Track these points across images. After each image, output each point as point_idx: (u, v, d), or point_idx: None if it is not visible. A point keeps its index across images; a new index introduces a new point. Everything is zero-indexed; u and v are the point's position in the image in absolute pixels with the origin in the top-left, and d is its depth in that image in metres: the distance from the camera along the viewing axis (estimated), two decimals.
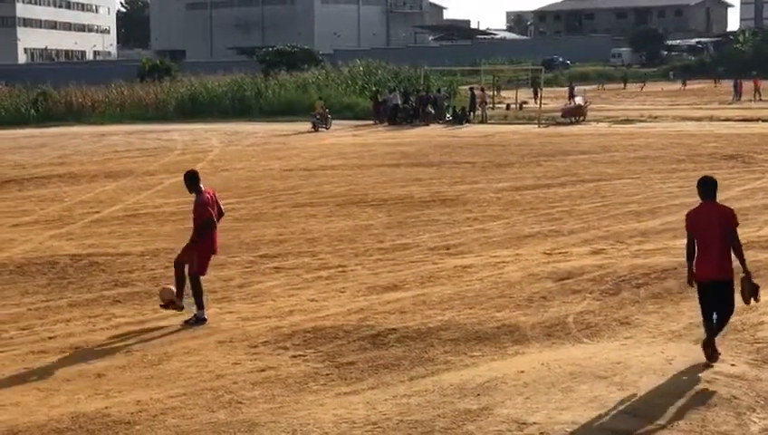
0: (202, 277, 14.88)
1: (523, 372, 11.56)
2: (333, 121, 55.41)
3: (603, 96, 79.77)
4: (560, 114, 55.78)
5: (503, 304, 15.05)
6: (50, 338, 13.96)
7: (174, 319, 14.70)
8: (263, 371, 12.14)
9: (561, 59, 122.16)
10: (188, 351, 13.10)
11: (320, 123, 54.06)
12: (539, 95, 63.82)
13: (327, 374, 11.94)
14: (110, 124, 63.26)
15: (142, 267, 18.64)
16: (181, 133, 52.99)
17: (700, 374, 11.25)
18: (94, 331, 14.31)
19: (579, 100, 57.99)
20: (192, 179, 15.13)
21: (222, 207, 15.57)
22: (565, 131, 48.14)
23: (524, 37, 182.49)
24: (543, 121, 54.34)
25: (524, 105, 66.08)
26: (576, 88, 68.28)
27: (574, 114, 54.74)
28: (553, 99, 69.77)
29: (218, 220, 15.20)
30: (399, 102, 58.41)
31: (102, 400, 11.26)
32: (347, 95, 67.54)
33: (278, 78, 73.22)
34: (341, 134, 50.44)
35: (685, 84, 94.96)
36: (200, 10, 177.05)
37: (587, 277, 16.53)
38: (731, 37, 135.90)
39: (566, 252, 18.84)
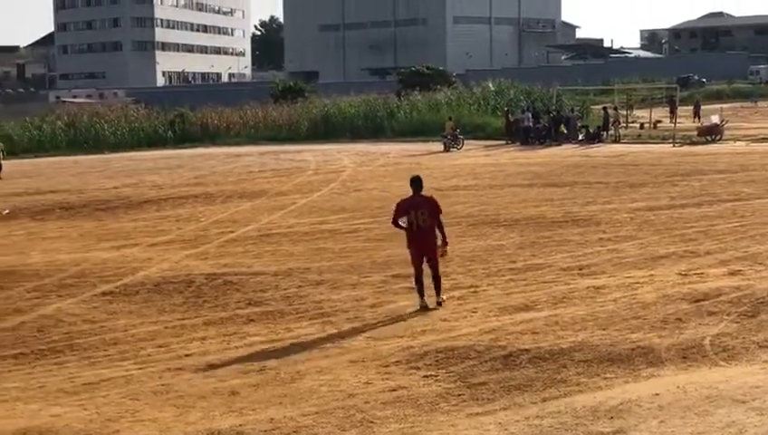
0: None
1: (657, 394, 11.35)
2: (465, 141, 55.36)
3: (741, 114, 78.15)
4: (695, 133, 54.87)
5: (637, 325, 14.82)
6: (186, 355, 14.19)
7: (306, 338, 14.83)
8: (394, 390, 12.14)
9: (696, 77, 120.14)
10: (321, 370, 13.18)
11: (451, 143, 54.08)
12: (674, 114, 62.85)
13: (459, 395, 11.90)
14: (245, 145, 64.28)
15: (275, 287, 18.82)
16: (314, 154, 53.52)
17: None
18: (229, 349, 14.49)
19: (715, 118, 56.91)
20: (411, 183, 17.36)
21: (429, 212, 16.81)
22: (701, 151, 47.33)
23: (659, 55, 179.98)
24: (678, 141, 53.51)
25: (659, 124, 65.13)
26: (703, 107, 67.00)
27: (710, 133, 53.78)
28: (688, 117, 68.64)
29: (419, 225, 16.69)
30: (531, 122, 58.12)
31: (236, 417, 11.39)
32: (479, 115, 67.42)
33: (410, 98, 73.44)
34: (473, 154, 50.37)
35: None
36: (333, 32, 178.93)
37: (724, 299, 16.18)
38: None
39: (702, 273, 18.47)
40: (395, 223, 17.22)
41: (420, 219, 16.70)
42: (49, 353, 14.58)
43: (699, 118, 61.05)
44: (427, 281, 16.80)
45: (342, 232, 25.44)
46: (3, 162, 48.22)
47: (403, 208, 17.01)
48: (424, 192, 17.37)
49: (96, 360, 14.14)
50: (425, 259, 16.75)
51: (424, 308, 16.50)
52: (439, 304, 16.69)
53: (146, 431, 11.06)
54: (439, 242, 16.83)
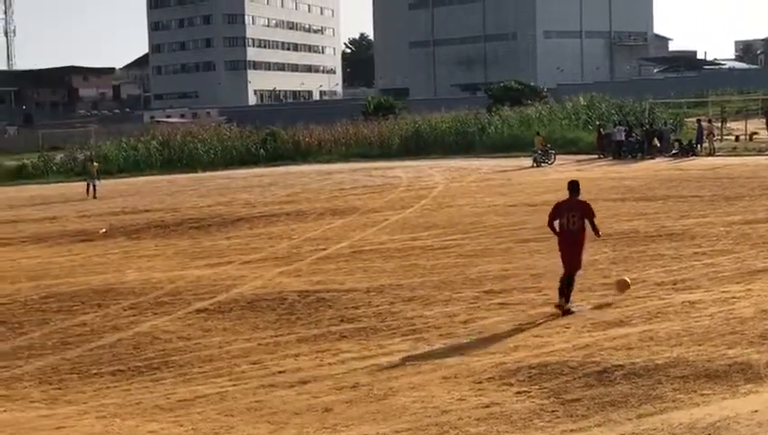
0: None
1: (756, 411, 11.17)
2: (557, 156, 55.08)
3: None
4: None
5: (734, 340, 14.60)
6: (279, 372, 14.27)
7: (398, 354, 14.85)
8: (487, 407, 12.10)
9: None
10: (413, 386, 13.17)
11: (542, 158, 53.85)
12: None
13: (552, 411, 11.82)
14: (336, 162, 64.65)
15: (368, 303, 18.86)
16: (405, 170, 53.62)
17: None
18: (322, 365, 14.55)
19: None
20: (568, 187, 17.84)
21: (580, 214, 17.39)
22: None
23: (754, 66, 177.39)
24: None
25: (755, 136, 64.16)
26: None
27: None
28: None
29: (569, 228, 17.31)
30: (624, 136, 57.62)
31: (330, 433, 11.43)
32: (570, 130, 67.04)
33: (501, 114, 73.28)
34: (565, 169, 50.05)
35: None
36: (423, 48, 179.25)
37: None
38: None
39: None
40: (550, 225, 17.71)
41: (571, 222, 17.25)
42: (145, 370, 14.77)
43: None
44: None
45: (434, 248, 25.43)
46: (98, 182, 48.99)
47: (559, 210, 17.53)
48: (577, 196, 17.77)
49: (191, 376, 14.29)
50: (565, 264, 17.36)
51: (566, 312, 16.97)
52: (560, 307, 17.07)
53: None
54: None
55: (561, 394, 12.44)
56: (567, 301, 17.15)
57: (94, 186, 48.17)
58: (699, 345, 14.39)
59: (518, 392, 12.64)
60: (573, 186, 17.70)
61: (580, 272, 17.68)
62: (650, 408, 11.68)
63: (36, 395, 13.70)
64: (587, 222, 17.50)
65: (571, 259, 17.39)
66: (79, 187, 50.98)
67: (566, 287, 17.19)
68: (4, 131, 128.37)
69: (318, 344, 15.86)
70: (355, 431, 11.43)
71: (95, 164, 51.76)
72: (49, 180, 62.92)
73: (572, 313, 17.01)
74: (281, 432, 11.59)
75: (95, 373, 14.71)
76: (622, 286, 18.12)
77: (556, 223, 17.64)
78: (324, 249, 26.20)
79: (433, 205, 35.46)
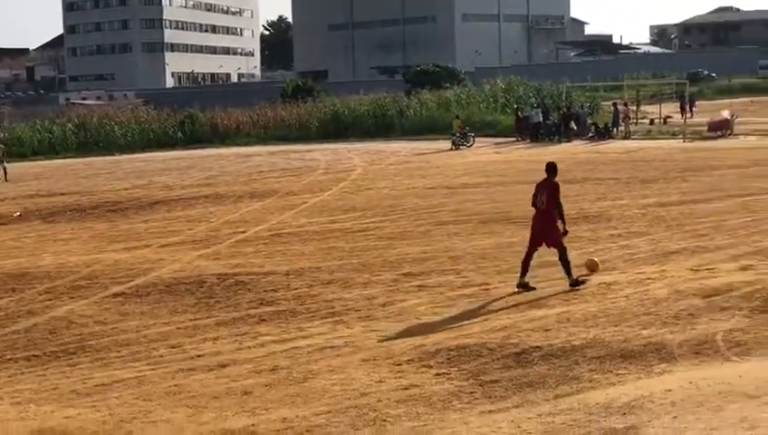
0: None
1: (670, 390, 11.35)
2: (475, 139, 55.32)
3: (751, 109, 78.01)
4: (706, 128, 54.75)
5: (649, 321, 14.81)
6: (198, 356, 14.22)
7: (317, 337, 14.86)
8: (407, 389, 12.15)
9: (706, 72, 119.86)
10: (333, 369, 13.19)
11: (460, 141, 54.09)
12: (685, 109, 62.74)
13: (471, 392, 11.90)
14: (255, 145, 64.36)
15: (287, 286, 18.84)
16: (324, 153, 53.56)
17: None
18: (241, 349, 14.52)
19: (725, 113, 56.77)
20: (546, 169, 17.92)
21: (548, 194, 17.49)
22: (711, 146, 47.27)
23: (668, 51, 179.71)
24: (689, 136, 53.42)
25: (669, 120, 65.02)
26: (713, 102, 66.82)
27: (721, 128, 53.66)
28: (699, 113, 68.51)
29: (539, 207, 17.56)
30: (541, 119, 58.06)
31: (249, 417, 11.41)
32: (488, 113, 67.38)
33: (420, 97, 73.41)
34: (483, 152, 50.35)
35: None
36: (342, 31, 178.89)
37: (736, 294, 16.16)
38: None
39: (713, 268, 18.45)
40: (533, 204, 17.88)
41: (540, 201, 17.56)
42: (62, 355, 14.62)
43: (691, 112, 60.96)
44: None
45: (353, 231, 25.45)
46: (7, 165, 48.19)
47: (536, 189, 17.78)
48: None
49: (108, 361, 14.18)
50: (545, 243, 17.66)
51: (522, 287, 17.32)
52: (573, 284, 17.40)
53: (159, 432, 11.09)
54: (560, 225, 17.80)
55: (480, 376, 12.53)
56: (570, 275, 17.44)
57: (4, 169, 47.34)
58: (615, 326, 14.58)
59: (437, 374, 12.71)
60: (549, 167, 17.93)
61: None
62: (567, 388, 11.81)
63: None
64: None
65: (547, 236, 17.62)
66: None
67: (564, 265, 17.42)
68: None
69: (237, 328, 15.82)
70: (274, 414, 11.42)
71: (1, 146, 50.96)
72: None
73: (582, 283, 17.56)
74: (199, 416, 11.55)
75: (9, 359, 14.53)
76: (592, 266, 18.55)
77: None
78: (243, 232, 26.11)
79: (352, 188, 35.47)
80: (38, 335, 15.90)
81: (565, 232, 17.92)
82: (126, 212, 32.03)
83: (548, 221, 17.56)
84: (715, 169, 35.61)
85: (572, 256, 20.33)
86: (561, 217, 17.72)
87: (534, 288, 17.35)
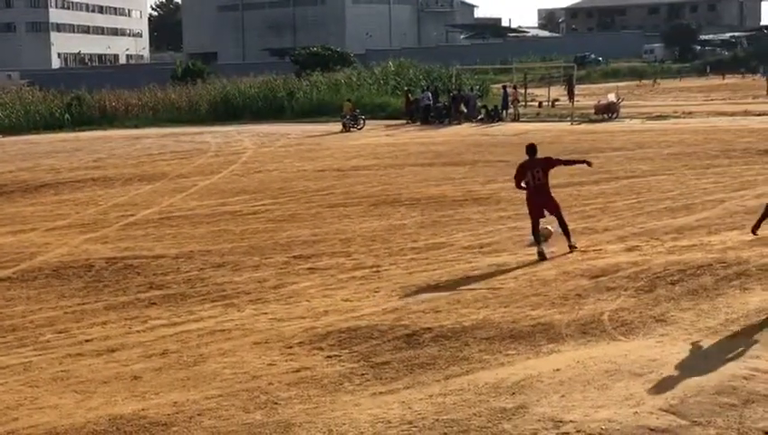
0: None
1: (558, 370, 11.52)
2: (366, 121, 55.42)
3: (636, 93, 79.39)
4: (592, 112, 55.57)
5: (537, 302, 15.01)
6: (86, 341, 14.05)
7: (208, 320, 14.79)
8: (298, 371, 12.16)
9: (593, 56, 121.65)
10: (224, 352, 13.14)
11: (351, 123, 54.15)
12: (572, 93, 63.60)
13: (362, 374, 11.95)
14: (144, 127, 63.61)
15: (177, 270, 18.71)
16: (214, 135, 53.19)
17: (737, 371, 11.18)
18: (130, 333, 14.38)
19: (611, 97, 57.68)
20: (527, 150, 19.43)
21: (543, 169, 19.01)
22: (598, 129, 47.97)
23: (556, 35, 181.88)
24: (576, 119, 54.16)
25: (557, 103, 65.84)
26: (600, 85, 67.77)
27: (607, 111, 54.50)
28: (585, 96, 69.48)
29: (536, 184, 18.89)
30: (431, 102, 58.34)
31: (139, 401, 11.32)
32: (379, 95, 67.57)
33: (310, 79, 73.28)
34: (374, 134, 50.46)
35: (724, 77, 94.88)
36: (231, 12, 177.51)
37: (621, 275, 16.45)
38: (765, 31, 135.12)
39: (600, 249, 18.77)
40: (518, 185, 19.30)
41: (536, 178, 18.76)
42: None
43: (573, 96, 61.92)
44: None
45: (244, 214, 25.35)
46: None
47: (523, 170, 19.07)
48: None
49: None
50: (545, 212, 18.97)
51: (541, 256, 18.17)
52: (571, 247, 18.66)
53: (46, 418, 10.94)
54: (585, 165, 20.38)
55: (371, 357, 12.59)
56: (569, 238, 18.81)
57: None
58: (505, 307, 14.75)
59: (328, 357, 12.74)
60: (531, 148, 19.20)
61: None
62: (457, 369, 11.92)
63: None
64: (564, 167, 20.46)
65: (547, 203, 18.91)
66: None
67: (564, 229, 18.83)
68: None
69: (126, 312, 15.67)
70: (165, 399, 11.34)
71: None
72: None
73: (575, 248, 18.72)
74: (88, 402, 11.42)
75: None
76: (547, 235, 19.45)
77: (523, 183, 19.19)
78: (132, 215, 25.83)
79: (242, 170, 35.30)
80: None
81: (589, 163, 20.30)
82: (11, 195, 31.47)
83: (546, 193, 18.88)
84: (601, 151, 36.12)
85: (463, 236, 20.58)
86: (578, 162, 20.59)
87: (547, 258, 18.15)
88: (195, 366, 12.61)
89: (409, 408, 10.57)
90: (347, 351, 12.95)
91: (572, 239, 18.86)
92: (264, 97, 69.40)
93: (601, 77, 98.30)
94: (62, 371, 12.68)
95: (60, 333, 14.56)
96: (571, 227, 19.54)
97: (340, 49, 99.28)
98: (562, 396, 10.62)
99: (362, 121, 55.02)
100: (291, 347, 13.25)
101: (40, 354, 13.45)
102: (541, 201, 18.88)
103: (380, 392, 11.23)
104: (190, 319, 15.02)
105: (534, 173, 18.87)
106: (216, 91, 72.08)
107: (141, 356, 13.15)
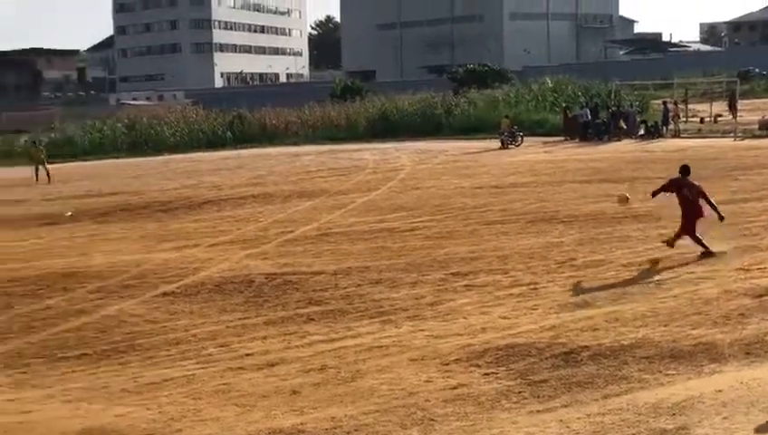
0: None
1: (720, 391, 11.27)
2: (524, 138, 55.12)
3: None
4: (756, 127, 54.20)
5: (698, 321, 14.71)
6: (247, 355, 14.28)
7: (365, 336, 14.87)
8: (455, 388, 12.14)
9: (757, 70, 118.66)
10: (381, 368, 13.20)
11: (509, 140, 53.95)
12: (734, 108, 62.13)
13: (519, 392, 11.88)
14: (303, 145, 64.48)
15: (335, 286, 18.87)
16: (372, 152, 53.57)
17: None
18: (289, 348, 14.56)
19: None
20: (680, 170, 20.70)
21: (696, 192, 20.16)
22: (762, 144, 46.75)
23: (718, 49, 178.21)
24: (740, 134, 52.93)
25: (719, 118, 64.41)
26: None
27: None
28: (749, 111, 67.85)
29: (690, 199, 20.09)
30: (590, 118, 57.73)
31: (298, 416, 11.44)
32: (537, 112, 67.07)
33: (468, 96, 73.25)
34: (531, 151, 50.13)
35: None
36: (390, 30, 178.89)
37: None
38: None
39: (764, 268, 18.27)
40: (655, 193, 21.01)
41: (690, 194, 20.02)
42: (112, 354, 14.73)
43: (736, 110, 60.28)
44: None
45: (401, 230, 25.45)
46: (49, 166, 48.64)
47: (672, 184, 20.52)
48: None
49: (158, 360, 14.27)
50: (698, 216, 20.00)
51: (708, 253, 19.52)
52: (706, 253, 19.67)
53: (208, 431, 11.15)
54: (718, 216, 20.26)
55: (528, 375, 12.50)
56: (704, 246, 19.77)
57: (47, 171, 47.76)
58: (664, 326, 14.49)
59: (485, 374, 12.70)
60: (685, 169, 20.48)
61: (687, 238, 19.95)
62: (616, 388, 11.76)
63: (1, 379, 13.65)
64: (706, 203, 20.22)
65: (700, 213, 20.05)
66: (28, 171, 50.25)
67: (697, 240, 19.86)
68: None
69: (285, 327, 15.87)
70: (323, 414, 11.45)
71: (41, 149, 51.56)
72: (13, 164, 62.38)
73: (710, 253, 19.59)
74: (248, 415, 11.60)
75: (61, 357, 14.66)
76: (623, 200, 21.79)
77: (662, 195, 20.94)
78: (291, 232, 26.17)
79: (400, 187, 35.46)
80: (89, 334, 16.03)
81: (721, 218, 20.08)
82: (176, 212, 32.22)
83: (696, 210, 19.92)
84: (765, 167, 35.22)
85: (622, 254, 20.28)
86: (715, 209, 20.02)
87: (713, 253, 19.44)
88: (352, 382, 12.69)
89: (567, 427, 10.47)
90: (504, 368, 12.89)
91: (706, 247, 19.72)
92: (422, 114, 69.59)
93: (765, 91, 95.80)
94: (223, 384, 12.91)
95: (221, 346, 14.83)
96: (733, 244, 19.09)
97: (498, 66, 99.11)
98: (725, 418, 10.38)
99: (520, 138, 54.72)
100: (447, 364, 13.24)
101: (202, 368, 13.71)
102: (695, 210, 19.94)
103: (538, 411, 11.14)
104: (348, 335, 15.13)
105: (688, 190, 20.05)
106: (374, 108, 72.63)
107: (300, 371, 13.29)
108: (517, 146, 53.49)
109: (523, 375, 12.52)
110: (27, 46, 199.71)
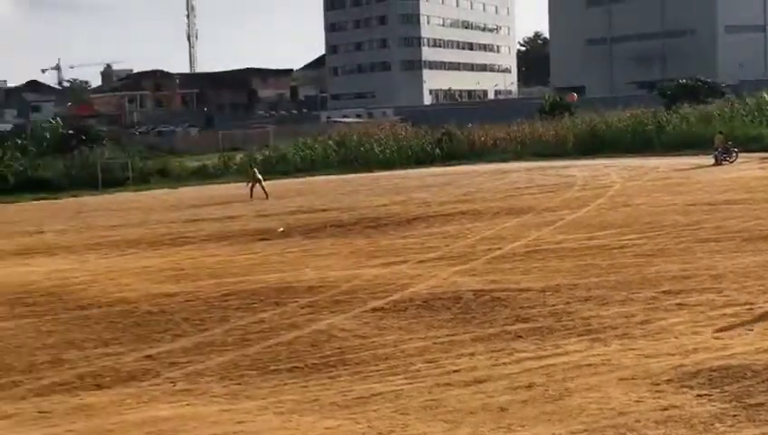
0: None
1: None
2: (739, 154, 53.70)
3: None
4: None
5: None
6: (454, 371, 14.29)
7: (574, 354, 14.71)
8: (666, 409, 11.89)
9: None
10: (589, 387, 13.03)
11: (723, 157, 52.63)
12: None
13: (734, 415, 11.54)
14: (511, 161, 64.42)
15: (543, 303, 18.74)
16: (581, 169, 53.10)
17: None
18: (497, 365, 14.51)
19: None
20: None
21: None
22: None
23: None
24: None
25: None
26: None
27: None
28: None
29: None
30: None
31: (505, 433, 11.39)
32: (753, 127, 65.28)
33: (680, 111, 71.87)
34: (747, 167, 48.78)
35: None
36: (599, 45, 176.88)
37: None
38: None
39: None
40: None
41: None
42: (322, 367, 14.97)
43: None
44: None
45: (611, 248, 25.11)
46: (264, 183, 49.85)
47: None
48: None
49: (367, 374, 14.43)
50: None
51: None
52: None
53: None
54: None
55: (744, 398, 12.13)
56: None
57: (263, 188, 48.96)
58: None
59: (698, 395, 12.39)
60: None
61: None
62: None
63: (217, 390, 14.03)
64: None
65: None
66: (242, 187, 51.74)
67: None
68: (186, 132, 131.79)
69: (493, 344, 15.84)
70: (530, 432, 11.38)
71: (256, 167, 53.09)
72: (229, 180, 64.27)
73: None
74: (456, 431, 11.61)
75: (274, 370, 14.98)
76: None
77: None
78: (499, 248, 26.14)
79: (609, 204, 35.01)
80: (300, 348, 16.33)
81: None
82: (384, 228, 32.59)
83: None
84: None
85: None
86: None
87: None
88: (560, 400, 12.57)
89: None
90: (718, 390, 12.55)
91: None
92: (633, 130, 68.66)
93: None
94: (431, 400, 12.95)
95: (429, 362, 14.89)
96: None
97: (711, 80, 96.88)
98: None
99: (735, 154, 53.33)
100: (658, 384, 12.97)
101: (410, 383, 13.79)
102: None
103: None
104: (556, 352, 15.00)
105: None
106: (583, 124, 72.06)
107: (507, 388, 13.24)
108: (731, 162, 52.14)
109: (738, 398, 12.16)
110: (243, 66, 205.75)
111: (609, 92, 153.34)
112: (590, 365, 14.12)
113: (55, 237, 36.03)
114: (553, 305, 18.47)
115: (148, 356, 16.25)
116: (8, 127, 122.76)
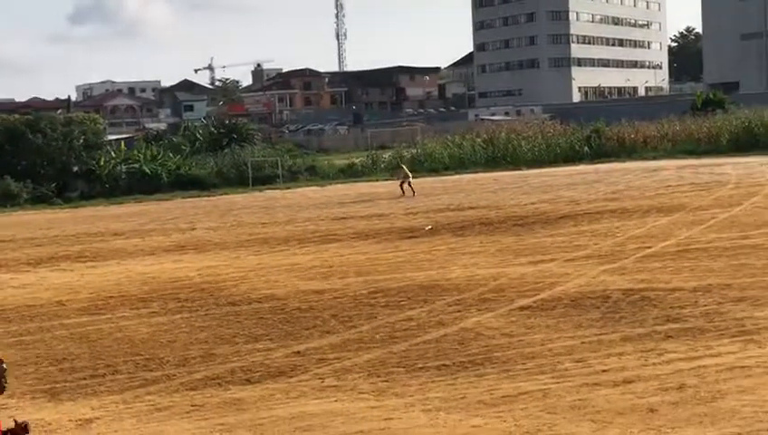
0: None
1: None
2: None
3: None
4: None
5: None
6: (603, 371, 14.14)
7: (727, 356, 14.41)
8: None
9: None
10: (743, 389, 12.75)
11: None
12: None
13: None
14: (662, 159, 63.40)
15: (694, 303, 18.40)
16: (734, 167, 51.99)
17: None
18: (646, 365, 14.30)
19: None
20: None
21: None
22: None
23: None
24: None
25: None
26: None
27: None
28: None
29: None
30: None
31: None
32: None
33: None
34: None
35: None
36: (755, 40, 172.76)
37: None
38: None
39: None
40: None
41: None
42: (469, 365, 14.95)
43: None
44: None
45: (766, 247, 24.52)
46: (412, 180, 50.07)
47: None
48: None
49: (514, 373, 14.36)
50: None
51: None
52: None
53: None
54: None
55: None
56: None
57: (410, 184, 49.20)
58: None
59: None
60: None
61: None
62: None
63: (365, 387, 14.12)
64: None
65: None
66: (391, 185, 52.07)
67: None
68: (334, 131, 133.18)
69: (642, 344, 15.61)
70: (681, 434, 11.17)
71: (403, 166, 53.40)
72: (377, 178, 64.69)
73: None
74: (604, 431, 11.48)
75: (421, 367, 15.02)
76: None
77: None
78: (649, 247, 25.75)
79: (764, 202, 34.20)
80: (447, 345, 16.35)
81: None
82: (532, 226, 32.39)
83: None
84: None
85: None
86: None
87: None
88: (712, 402, 12.32)
89: None
90: None
91: None
92: None
93: None
94: (579, 399, 12.83)
95: (577, 362, 14.76)
96: None
97: None
98: None
99: None
100: None
101: (557, 382, 13.69)
102: None
103: None
104: (708, 354, 14.71)
105: None
106: (737, 121, 70.51)
107: (657, 389, 13.03)
108: None
109: None
110: (391, 65, 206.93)
111: (765, 88, 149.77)
112: (743, 367, 13.81)
113: (207, 234, 36.74)
114: (705, 306, 18.12)
115: (297, 352, 16.47)
116: (163, 126, 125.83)
